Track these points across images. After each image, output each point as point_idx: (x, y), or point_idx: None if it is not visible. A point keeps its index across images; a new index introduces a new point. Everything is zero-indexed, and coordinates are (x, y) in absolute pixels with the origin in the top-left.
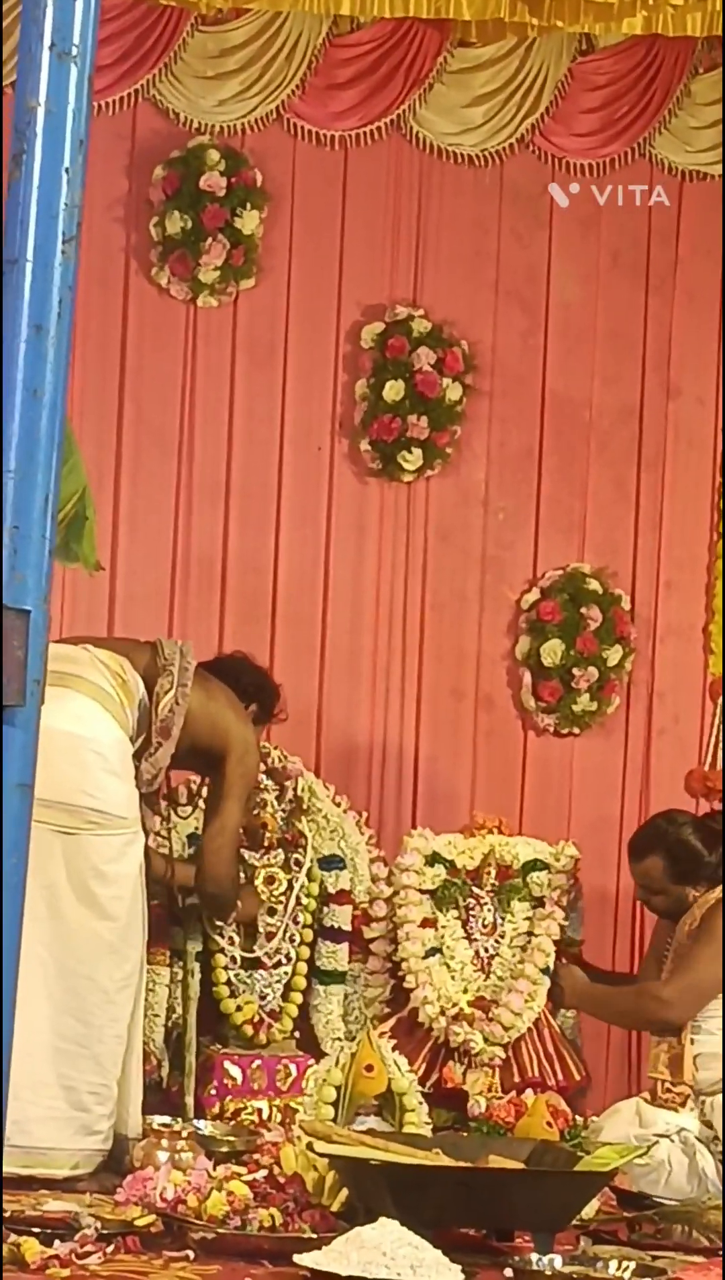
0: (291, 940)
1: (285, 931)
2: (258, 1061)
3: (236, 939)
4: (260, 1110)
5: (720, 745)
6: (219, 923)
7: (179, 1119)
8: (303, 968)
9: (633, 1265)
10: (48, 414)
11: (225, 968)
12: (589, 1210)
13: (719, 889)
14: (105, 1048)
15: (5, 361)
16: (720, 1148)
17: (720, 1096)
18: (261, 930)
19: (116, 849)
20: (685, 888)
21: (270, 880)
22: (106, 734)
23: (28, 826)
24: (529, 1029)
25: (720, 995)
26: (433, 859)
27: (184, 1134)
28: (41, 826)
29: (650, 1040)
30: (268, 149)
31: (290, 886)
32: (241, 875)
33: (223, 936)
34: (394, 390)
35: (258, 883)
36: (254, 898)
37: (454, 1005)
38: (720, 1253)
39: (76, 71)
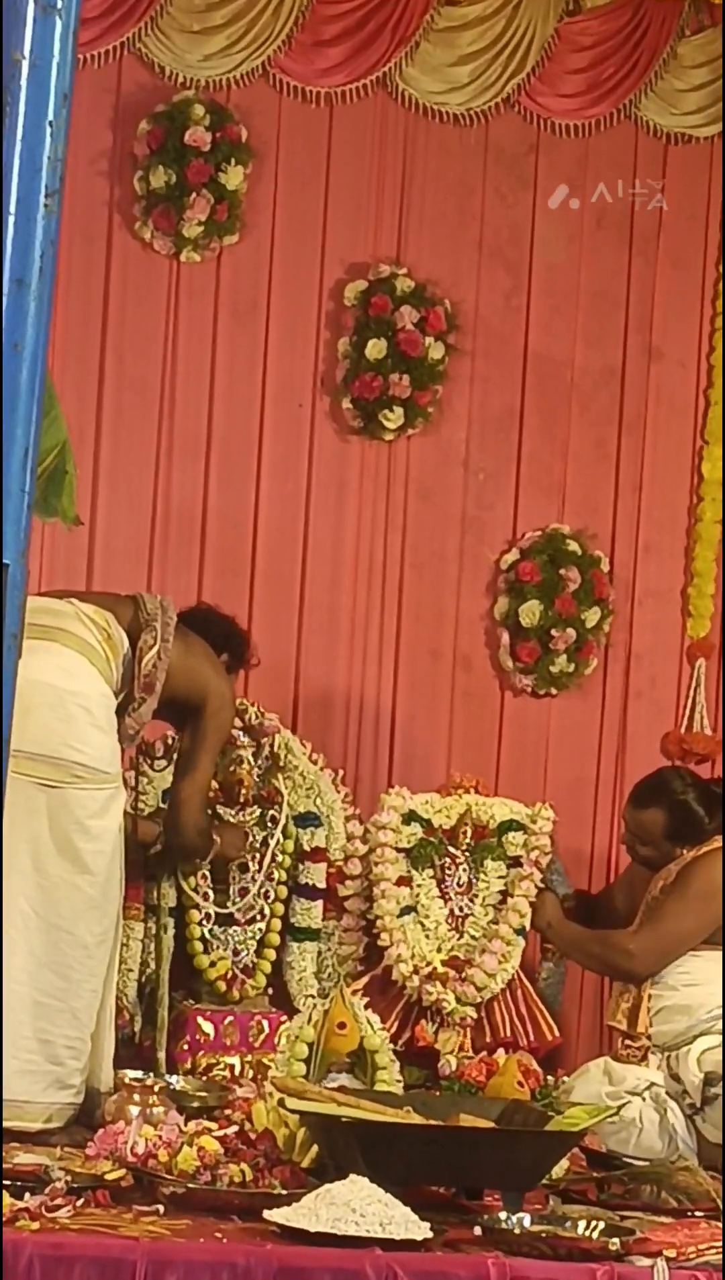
0: (266, 897)
1: (260, 888)
2: (230, 1017)
3: (211, 894)
4: (232, 1066)
5: (700, 708)
6: (199, 860)
7: (151, 1074)
8: (277, 924)
9: (601, 1225)
10: (28, 368)
11: (199, 923)
12: (558, 1170)
13: (699, 848)
14: (82, 1002)
15: None
16: (688, 1103)
17: (687, 1050)
18: (235, 885)
19: (100, 803)
20: (677, 846)
21: (245, 837)
22: (92, 688)
23: (3, 783)
24: (502, 989)
25: (686, 950)
26: (409, 818)
27: (156, 1089)
28: (25, 780)
29: (614, 989)
30: (253, 105)
31: (266, 843)
32: (216, 822)
33: (197, 891)
34: (376, 349)
35: None
36: (238, 834)
37: (427, 964)
38: (688, 1214)
39: (61, 25)
